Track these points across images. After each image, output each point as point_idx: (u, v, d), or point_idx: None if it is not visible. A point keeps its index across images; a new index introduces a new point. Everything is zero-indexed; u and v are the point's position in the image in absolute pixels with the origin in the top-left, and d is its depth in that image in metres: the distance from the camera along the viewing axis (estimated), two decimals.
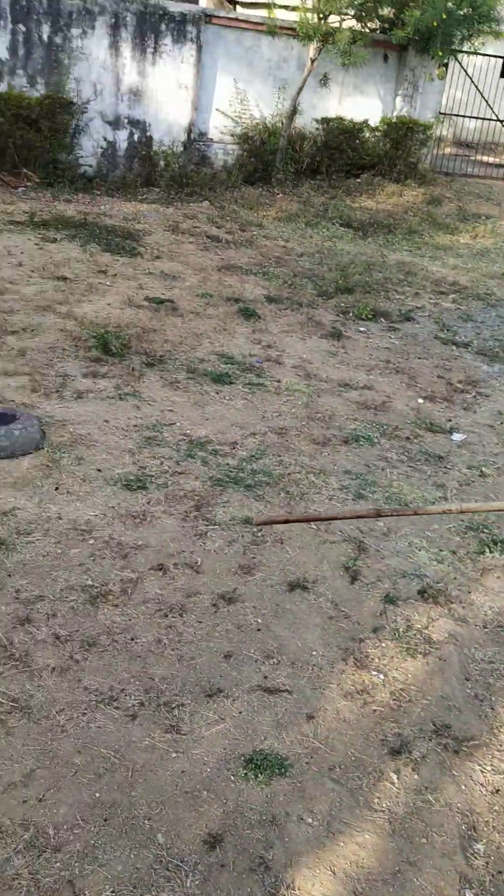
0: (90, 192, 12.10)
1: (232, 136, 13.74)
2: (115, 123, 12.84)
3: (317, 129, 14.04)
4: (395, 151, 14.46)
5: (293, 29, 13.08)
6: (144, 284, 7.98)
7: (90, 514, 3.90)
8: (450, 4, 11.95)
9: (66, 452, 4.43)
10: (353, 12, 12.30)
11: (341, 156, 14.08)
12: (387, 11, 13.09)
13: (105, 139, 12.81)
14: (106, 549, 3.64)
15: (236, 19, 13.16)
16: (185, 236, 10.26)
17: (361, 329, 7.69)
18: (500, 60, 17.97)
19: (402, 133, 14.33)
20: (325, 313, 7.96)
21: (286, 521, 3.83)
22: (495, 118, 17.09)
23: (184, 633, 3.19)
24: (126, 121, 12.91)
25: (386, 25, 13.30)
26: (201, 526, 3.94)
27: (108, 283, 7.81)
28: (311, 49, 13.01)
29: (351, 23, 12.89)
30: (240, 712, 2.83)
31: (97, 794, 2.45)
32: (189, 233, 10.42)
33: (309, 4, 12.62)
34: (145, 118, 13.00)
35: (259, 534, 3.92)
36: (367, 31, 12.92)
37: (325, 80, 13.35)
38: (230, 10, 16.71)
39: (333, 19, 12.73)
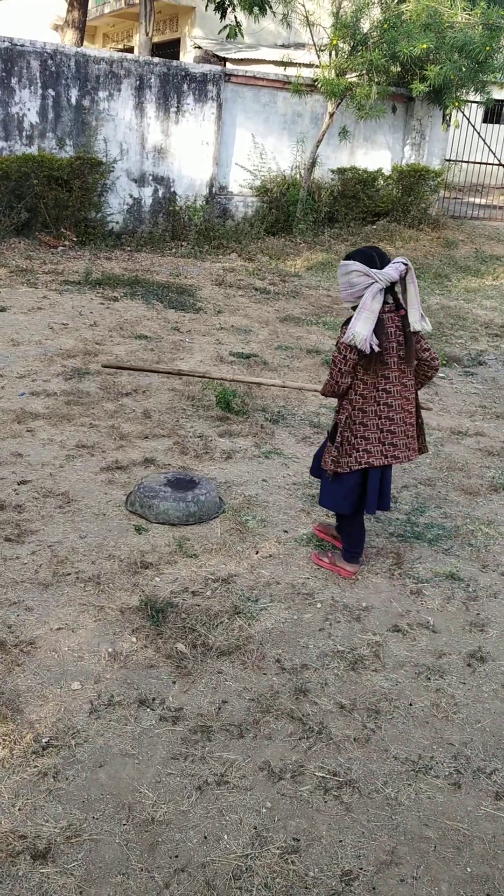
0: (121, 248, 12.24)
1: (251, 188, 14.03)
2: (141, 181, 13.04)
3: (332, 179, 14.38)
4: (408, 198, 14.85)
5: (310, 86, 13.47)
6: (222, 339, 8.05)
7: (303, 577, 3.90)
8: (464, 60, 12.40)
9: (247, 515, 4.43)
10: (368, 69, 12.69)
11: (357, 204, 14.42)
12: (396, 67, 13.53)
13: (131, 196, 13.00)
14: (336, 613, 3.63)
15: (254, 77, 13.52)
16: (233, 290, 10.39)
17: (441, 375, 7.81)
18: (482, 107, 18.67)
19: (414, 180, 14.74)
20: None
21: (132, 369, 4.36)
22: (497, 162, 17.65)
23: (455, 695, 3.19)
24: (151, 178, 13.12)
25: (393, 79, 13.73)
26: (410, 584, 3.95)
27: (188, 341, 7.87)
28: (330, 104, 13.38)
29: (363, 77, 13.29)
30: None
31: (468, 869, 2.42)
32: (236, 286, 10.56)
33: (325, 62, 13.01)
34: (169, 174, 13.22)
35: (472, 590, 3.94)
36: (379, 85, 13.33)
37: (345, 134, 13.71)
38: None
39: (350, 74, 13.14)
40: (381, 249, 3.60)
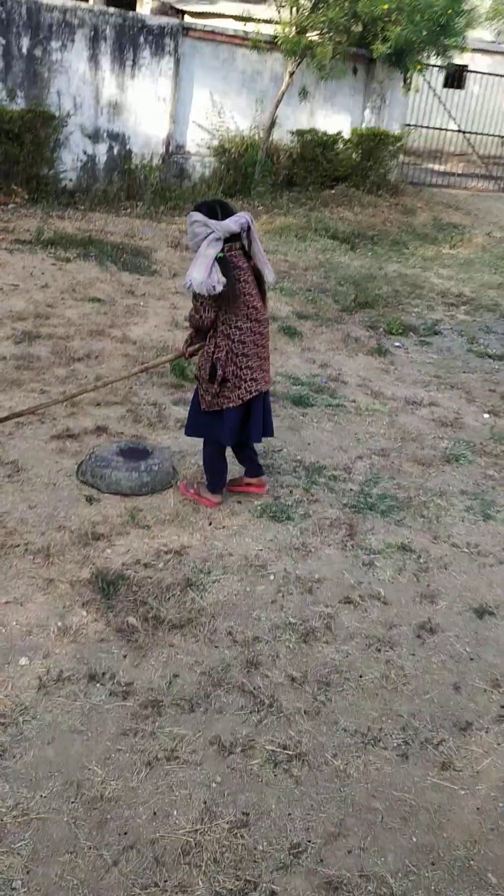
0: (75, 206, 11.92)
1: (209, 148, 13.73)
2: (95, 137, 12.67)
3: (292, 141, 14.17)
4: (367, 163, 14.71)
5: (270, 42, 13.18)
6: (177, 304, 7.93)
7: (256, 549, 3.89)
8: (425, 22, 12.25)
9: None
10: (329, 28, 12.46)
11: (316, 167, 14.24)
12: (358, 27, 13.31)
13: (85, 152, 12.63)
14: (289, 585, 3.64)
15: (213, 32, 13.17)
16: (189, 252, 10.21)
17: (397, 344, 7.82)
18: (443, 72, 18.56)
19: (374, 144, 14.61)
20: (356, 329, 8.06)
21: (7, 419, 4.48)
22: (456, 129, 17.59)
23: (404, 666, 3.22)
24: (105, 134, 12.76)
25: (355, 39, 13.50)
26: (363, 555, 3.97)
27: (142, 304, 7.73)
28: (290, 63, 13.12)
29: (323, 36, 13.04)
30: (499, 744, 2.88)
31: (413, 839, 2.47)
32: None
33: (286, 18, 12.73)
34: (125, 131, 12.87)
35: (423, 562, 3.98)
36: (340, 44, 13.10)
37: (304, 94, 13.49)
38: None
39: (311, 33, 12.88)
40: (228, 203, 3.90)
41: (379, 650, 3.29)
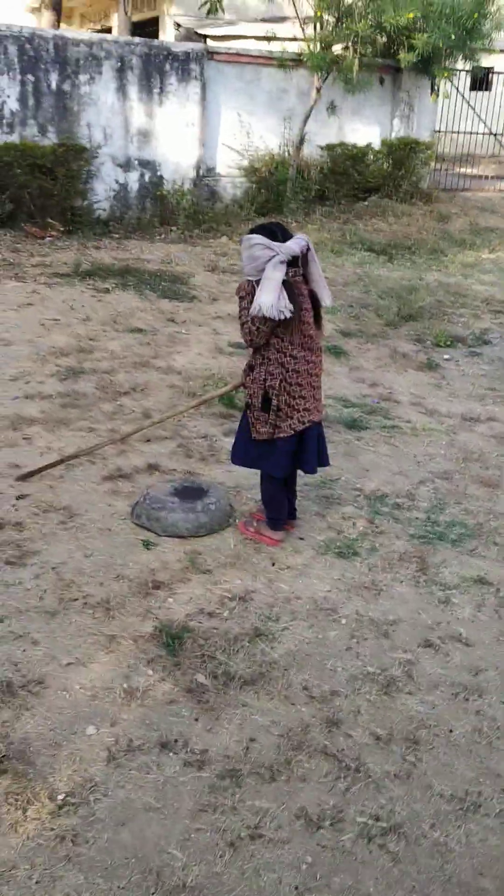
0: (110, 235, 11.89)
1: (239, 169, 13.65)
2: (126, 165, 12.67)
3: (321, 156, 14.02)
4: (399, 172, 14.50)
5: (295, 60, 13.08)
6: (219, 329, 7.79)
7: (324, 590, 3.67)
8: (452, 28, 12.04)
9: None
10: (354, 41, 12.31)
11: (348, 181, 14.06)
12: (384, 38, 13.15)
13: (117, 181, 12.63)
14: (362, 629, 3.41)
15: (237, 54, 13.11)
16: (226, 275, 10.09)
17: (447, 357, 7.57)
18: (469, 76, 18.25)
19: (405, 153, 14.39)
20: (402, 343, 7.83)
21: (46, 468, 4.34)
22: (486, 131, 17.29)
23: (496, 717, 2.97)
24: (136, 162, 12.75)
25: (380, 50, 13.33)
26: (437, 591, 3.73)
27: (184, 332, 7.60)
28: (317, 79, 13.00)
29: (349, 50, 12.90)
30: None
31: None
32: (229, 271, 10.26)
33: (310, 35, 12.61)
34: (155, 158, 12.85)
35: (502, 595, 3.72)
36: (366, 56, 12.94)
37: (332, 109, 13.35)
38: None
39: (336, 47, 12.75)
40: (284, 225, 3.76)
41: (467, 699, 3.04)
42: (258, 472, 4.06)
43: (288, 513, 4.10)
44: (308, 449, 3.89)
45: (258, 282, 3.56)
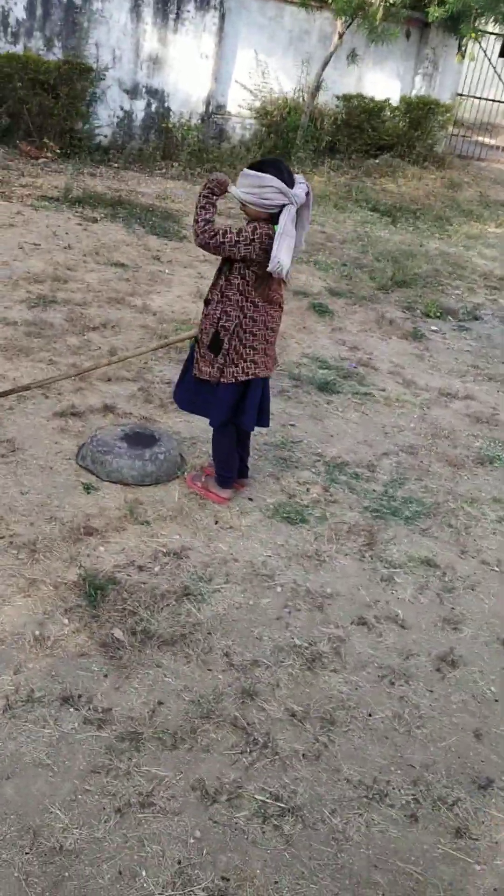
0: (108, 164, 11.49)
1: (250, 110, 13.19)
2: (133, 92, 12.19)
3: (337, 105, 13.57)
4: (415, 132, 14.09)
5: (319, 1, 12.55)
6: (204, 273, 7.52)
7: (264, 555, 3.53)
8: None
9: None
10: None
11: (361, 135, 13.65)
12: None
13: (122, 108, 12.17)
14: (297, 599, 3.28)
15: None
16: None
17: (434, 328, 7.37)
18: (499, 41, 17.68)
19: (423, 113, 13.96)
20: (391, 310, 7.61)
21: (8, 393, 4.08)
22: None
23: (420, 705, 2.87)
24: (144, 90, 12.27)
25: (410, 1, 12.80)
26: (382, 569, 3.60)
27: (167, 272, 7.34)
28: (340, 24, 12.49)
29: None
30: None
31: None
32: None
33: None
34: (164, 88, 12.37)
35: (448, 580, 3.60)
36: (394, 6, 12.42)
37: (353, 57, 12.86)
38: None
39: None
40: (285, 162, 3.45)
41: (392, 683, 2.93)
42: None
43: (239, 471, 3.94)
44: (249, 404, 3.66)
45: (262, 226, 3.30)
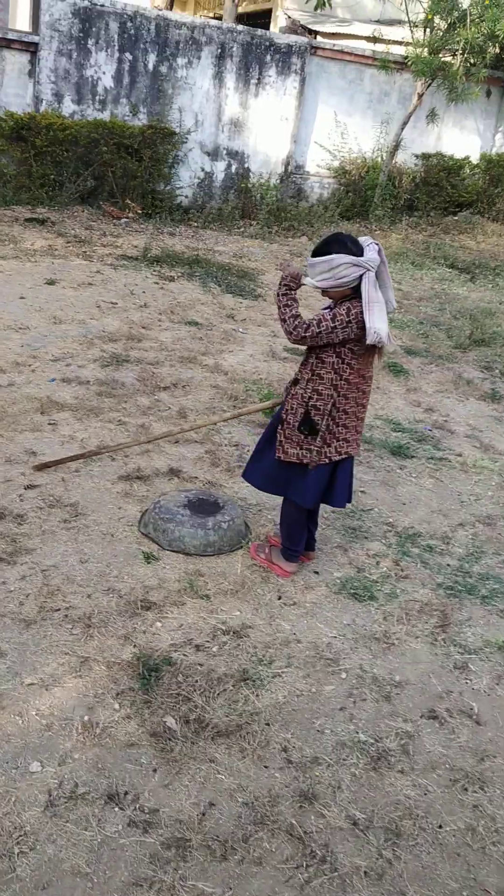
0: (188, 223, 11.69)
1: (329, 169, 13.30)
2: (214, 154, 12.44)
3: (416, 164, 13.54)
4: (495, 189, 13.91)
5: (400, 63, 12.64)
6: (277, 332, 7.46)
7: (329, 636, 3.33)
8: None
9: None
10: (463, 49, 11.78)
11: (440, 192, 13.56)
12: (495, 49, 12.56)
13: (203, 169, 12.42)
14: (363, 687, 3.06)
15: (341, 51, 12.72)
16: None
17: None
18: None
19: (503, 170, 13.79)
20: (468, 369, 7.37)
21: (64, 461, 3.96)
22: None
23: (496, 817, 2.59)
24: (224, 152, 12.51)
25: (491, 61, 12.75)
26: (455, 654, 3.35)
27: (241, 331, 7.30)
28: (420, 84, 12.52)
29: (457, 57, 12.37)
30: None
31: None
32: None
33: (419, 39, 12.14)
34: (244, 149, 12.59)
35: None
36: (475, 66, 12.39)
37: (433, 117, 12.84)
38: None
39: (444, 54, 12.25)
40: (349, 234, 3.35)
41: (466, 789, 2.67)
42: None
43: (307, 544, 3.77)
44: (339, 482, 3.54)
45: (354, 305, 3.18)
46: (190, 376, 5.96)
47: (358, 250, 3.19)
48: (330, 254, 3.16)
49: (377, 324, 3.14)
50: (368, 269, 3.15)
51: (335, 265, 3.13)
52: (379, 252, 3.23)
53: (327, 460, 3.44)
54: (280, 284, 3.35)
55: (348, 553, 3.97)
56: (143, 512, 3.94)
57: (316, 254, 3.21)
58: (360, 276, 3.16)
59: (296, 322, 3.25)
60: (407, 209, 13.38)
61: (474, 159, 13.72)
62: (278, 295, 3.34)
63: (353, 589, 3.67)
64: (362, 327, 3.19)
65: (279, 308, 3.31)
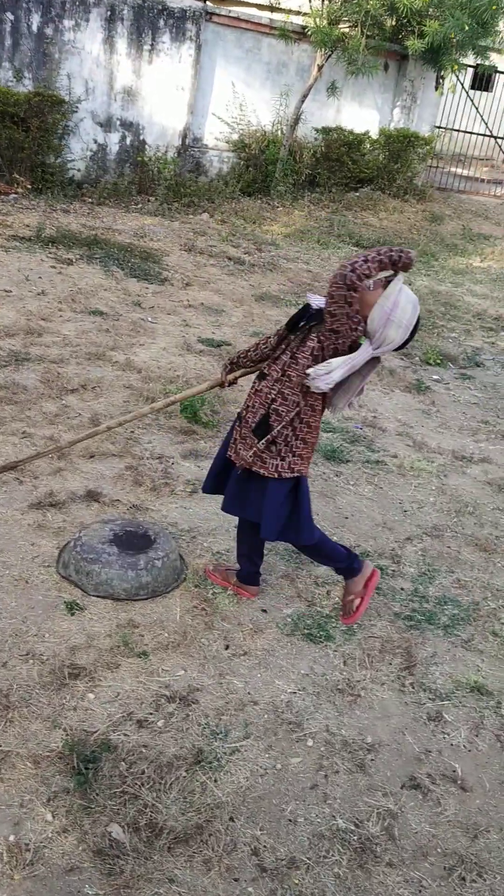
0: (81, 199, 10.94)
1: (228, 142, 12.76)
2: (107, 125, 11.68)
3: (316, 138, 13.18)
4: (395, 165, 13.74)
5: (299, 32, 12.19)
6: (189, 321, 6.96)
7: (287, 692, 2.92)
8: (467, 19, 11.24)
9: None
10: (363, 20, 11.43)
11: (341, 168, 13.27)
12: (394, 21, 12.30)
13: (95, 141, 11.65)
14: (333, 756, 2.67)
15: (238, 18, 12.15)
16: (204, 257, 9.25)
17: (436, 378, 6.86)
18: (469, 74, 17.50)
19: (402, 146, 13.62)
20: (389, 357, 7.08)
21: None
22: (486, 132, 16.57)
23: None
24: (118, 122, 11.77)
25: (389, 33, 12.49)
26: (427, 702, 3.00)
27: (150, 320, 6.75)
28: (319, 56, 12.12)
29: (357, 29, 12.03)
30: None
31: None
32: (207, 253, 9.41)
33: (317, 8, 11.71)
34: (139, 120, 11.88)
35: (503, 713, 3.01)
36: (374, 38, 12.09)
37: (333, 89, 12.49)
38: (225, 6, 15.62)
39: (343, 25, 11.88)
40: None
41: (464, 878, 2.32)
42: (223, 514, 3.29)
43: (251, 578, 3.35)
44: (304, 513, 3.11)
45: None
46: (100, 376, 5.39)
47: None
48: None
49: (337, 370, 2.79)
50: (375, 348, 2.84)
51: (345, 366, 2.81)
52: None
53: (276, 474, 2.98)
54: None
55: (296, 583, 3.56)
56: (62, 549, 3.40)
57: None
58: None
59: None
60: (308, 185, 13.01)
61: (374, 134, 13.47)
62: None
63: (307, 628, 3.27)
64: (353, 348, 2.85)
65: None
